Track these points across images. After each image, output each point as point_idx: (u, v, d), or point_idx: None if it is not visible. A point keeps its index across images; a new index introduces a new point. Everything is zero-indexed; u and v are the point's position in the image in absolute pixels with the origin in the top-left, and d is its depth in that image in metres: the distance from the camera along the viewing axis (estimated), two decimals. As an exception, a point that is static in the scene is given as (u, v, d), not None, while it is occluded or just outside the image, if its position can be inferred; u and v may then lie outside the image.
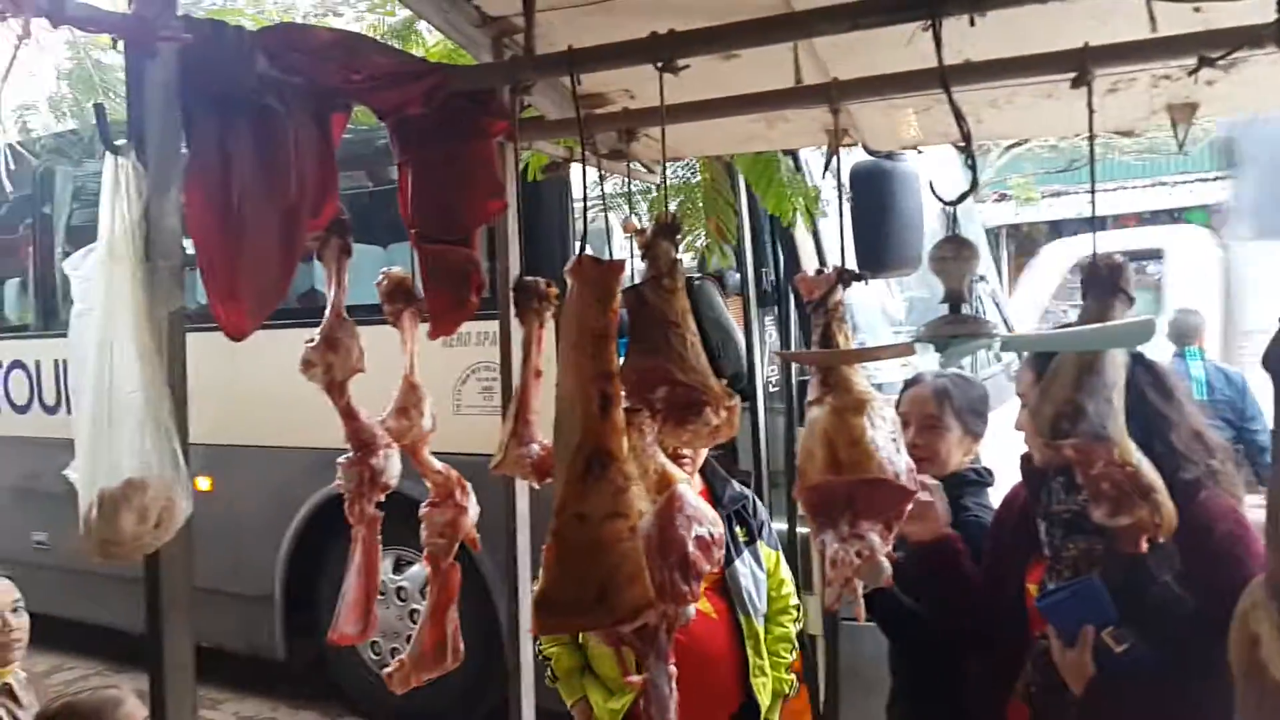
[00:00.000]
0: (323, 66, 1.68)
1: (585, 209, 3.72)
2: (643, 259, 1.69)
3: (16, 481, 6.46)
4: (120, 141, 1.45)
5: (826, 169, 3.27)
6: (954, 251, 1.56)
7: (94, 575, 5.72)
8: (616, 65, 1.84)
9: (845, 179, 3.97)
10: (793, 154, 4.09)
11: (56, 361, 6.17)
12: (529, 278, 1.86)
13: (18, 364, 6.53)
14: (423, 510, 2.03)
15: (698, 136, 2.75)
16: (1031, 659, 2.13)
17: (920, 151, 3.27)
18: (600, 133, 2.30)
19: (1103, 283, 1.73)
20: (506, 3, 2.13)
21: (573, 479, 1.73)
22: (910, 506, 2.02)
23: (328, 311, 1.90)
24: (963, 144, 2.78)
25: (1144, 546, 1.71)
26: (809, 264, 4.28)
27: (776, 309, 4.43)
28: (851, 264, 4.05)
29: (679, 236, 3.65)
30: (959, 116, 1.46)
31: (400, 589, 5.07)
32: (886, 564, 1.78)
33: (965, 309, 1.52)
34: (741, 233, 4.38)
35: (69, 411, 3.10)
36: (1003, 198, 14.05)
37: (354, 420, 1.92)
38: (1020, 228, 13.77)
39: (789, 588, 2.86)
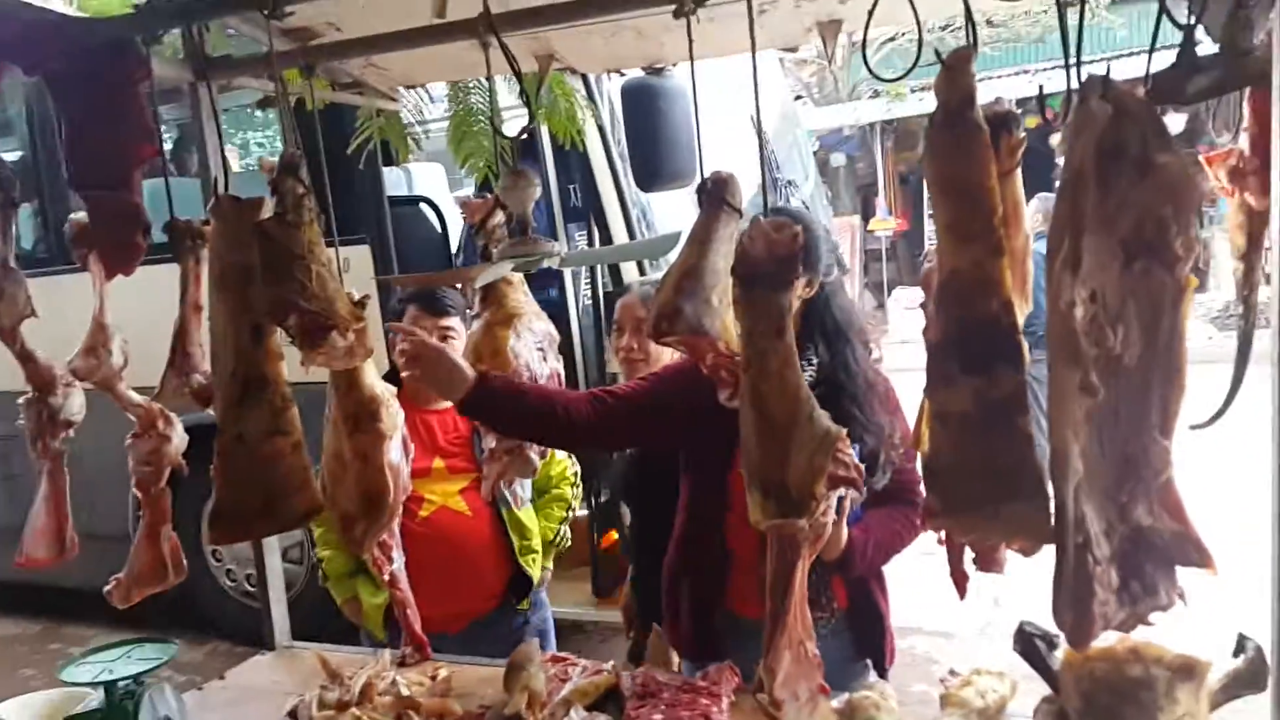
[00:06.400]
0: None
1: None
2: (272, 194, 1.80)
3: None
4: None
5: (539, 91, 3.34)
6: (514, 182, 1.71)
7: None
8: (226, 14, 1.93)
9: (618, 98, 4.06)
10: (583, 76, 4.14)
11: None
12: (180, 218, 1.97)
13: None
14: (127, 441, 2.16)
15: (426, 64, 2.84)
16: None
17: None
18: (289, 67, 2.37)
19: (711, 195, 1.90)
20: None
21: (230, 403, 1.88)
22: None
23: (-9, 264, 1.98)
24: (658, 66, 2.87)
25: None
26: (603, 180, 4.42)
27: (585, 222, 4.60)
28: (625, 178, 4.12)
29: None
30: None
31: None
32: (535, 459, 1.98)
33: (530, 232, 1.67)
34: (542, 152, 4.50)
35: None
36: (876, 94, 14.22)
37: (31, 362, 2.01)
38: (892, 123, 14.01)
39: (562, 464, 3.05)
